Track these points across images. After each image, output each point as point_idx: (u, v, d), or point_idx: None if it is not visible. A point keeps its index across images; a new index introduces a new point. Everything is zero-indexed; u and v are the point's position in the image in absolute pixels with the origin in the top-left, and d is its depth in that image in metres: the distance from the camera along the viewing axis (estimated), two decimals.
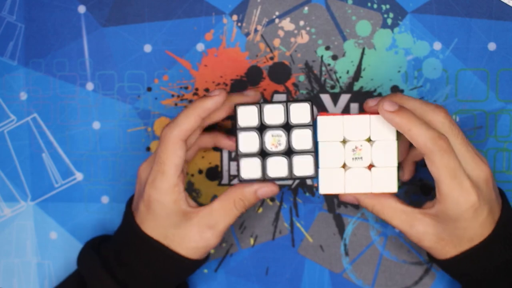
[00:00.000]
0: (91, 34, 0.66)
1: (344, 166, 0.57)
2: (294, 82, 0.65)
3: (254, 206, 0.65)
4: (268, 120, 0.57)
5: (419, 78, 0.65)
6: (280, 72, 0.65)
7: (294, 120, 0.57)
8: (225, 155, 0.66)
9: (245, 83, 0.65)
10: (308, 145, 0.57)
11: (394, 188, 0.57)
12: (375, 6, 0.64)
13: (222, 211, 0.58)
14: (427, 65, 0.64)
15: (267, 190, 0.59)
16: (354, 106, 0.65)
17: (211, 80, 0.66)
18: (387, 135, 0.57)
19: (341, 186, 0.57)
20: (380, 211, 0.58)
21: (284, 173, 0.57)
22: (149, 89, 0.66)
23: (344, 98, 0.65)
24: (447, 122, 0.55)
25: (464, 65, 0.64)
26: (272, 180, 0.58)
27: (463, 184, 0.54)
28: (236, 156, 0.57)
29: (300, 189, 0.66)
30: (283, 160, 0.57)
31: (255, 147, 0.57)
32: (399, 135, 0.57)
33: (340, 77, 0.65)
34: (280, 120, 0.57)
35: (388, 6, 0.64)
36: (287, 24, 0.65)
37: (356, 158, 0.57)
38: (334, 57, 0.65)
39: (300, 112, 0.57)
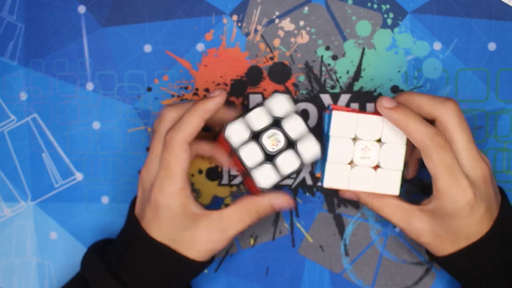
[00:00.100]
0: (91, 34, 0.66)
1: (351, 163, 0.57)
2: (294, 82, 0.65)
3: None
4: (256, 126, 0.57)
5: (419, 78, 0.65)
6: (280, 72, 0.65)
7: (278, 114, 0.57)
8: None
9: (245, 83, 0.65)
10: (303, 129, 0.57)
11: (396, 191, 0.57)
12: (375, 6, 0.64)
13: (235, 217, 0.58)
14: (427, 65, 0.64)
15: (281, 201, 0.59)
16: (354, 106, 0.65)
17: (211, 80, 0.66)
18: (397, 139, 0.57)
19: (345, 182, 0.57)
20: (379, 208, 0.58)
21: (296, 164, 0.57)
22: (149, 89, 0.66)
23: (344, 98, 0.65)
24: (456, 115, 0.55)
25: (464, 65, 0.64)
26: (290, 176, 0.57)
27: (460, 181, 0.54)
28: (247, 171, 0.57)
29: (300, 189, 0.66)
30: (290, 154, 0.57)
31: (259, 156, 0.57)
32: (408, 140, 0.57)
33: (340, 77, 0.65)
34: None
35: (388, 6, 0.64)
36: (287, 24, 0.65)
37: (364, 157, 0.57)
38: (334, 57, 0.65)
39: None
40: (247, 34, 0.65)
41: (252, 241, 0.66)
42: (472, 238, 0.56)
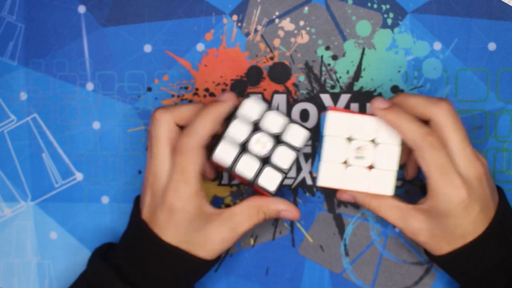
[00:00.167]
0: (91, 34, 0.66)
1: (345, 162, 0.58)
2: (294, 82, 0.65)
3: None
4: (265, 124, 0.58)
5: (419, 78, 0.65)
6: (280, 72, 0.65)
7: (287, 138, 0.58)
8: None
9: (245, 83, 0.65)
10: (286, 164, 0.58)
11: (390, 191, 0.58)
12: (375, 6, 0.64)
13: (245, 215, 0.59)
14: (427, 65, 0.64)
15: (290, 215, 0.60)
16: (354, 106, 0.65)
17: (211, 80, 0.66)
18: (391, 140, 0.57)
19: (340, 182, 0.58)
20: (376, 208, 0.59)
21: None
22: (149, 89, 0.66)
23: (344, 98, 0.65)
24: (450, 115, 0.55)
25: (464, 65, 0.64)
26: (237, 175, 0.58)
27: (453, 180, 0.54)
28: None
29: (300, 189, 0.66)
30: (256, 163, 0.58)
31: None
32: (404, 141, 0.57)
33: (340, 77, 0.65)
34: (276, 129, 0.58)
35: (388, 6, 0.64)
36: (287, 24, 0.65)
37: (358, 157, 0.57)
38: (334, 57, 0.65)
39: (297, 134, 0.58)
40: (247, 34, 0.65)
41: (252, 241, 0.66)
42: (468, 237, 0.56)
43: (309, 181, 0.66)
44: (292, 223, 0.66)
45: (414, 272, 0.66)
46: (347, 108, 0.65)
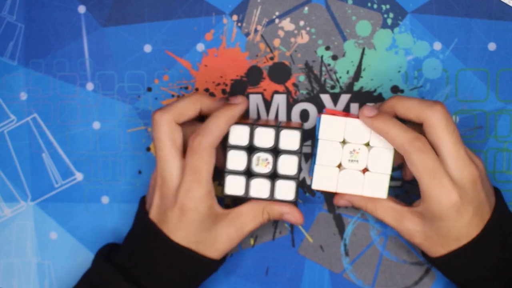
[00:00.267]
0: (91, 34, 0.66)
1: (339, 166, 0.58)
2: (294, 82, 0.65)
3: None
4: (258, 143, 0.59)
5: (419, 78, 0.65)
6: (280, 72, 0.65)
7: (283, 145, 0.59)
8: None
9: (245, 83, 0.65)
10: (293, 171, 0.59)
11: (384, 195, 0.59)
12: (375, 6, 0.64)
13: (250, 215, 0.59)
14: (427, 65, 0.64)
15: (293, 218, 0.61)
16: (354, 106, 0.65)
17: (211, 80, 0.66)
18: (385, 143, 0.58)
19: (334, 185, 0.59)
20: (373, 209, 0.60)
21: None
22: (149, 89, 0.66)
23: (344, 98, 0.65)
24: (443, 118, 0.55)
25: (464, 65, 0.64)
26: (253, 199, 0.60)
27: (443, 183, 0.55)
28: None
29: (300, 189, 0.66)
30: (266, 182, 0.59)
31: (242, 166, 0.59)
32: None
33: (340, 77, 0.65)
34: (270, 144, 0.59)
35: (388, 6, 0.64)
36: (287, 24, 0.65)
37: (352, 160, 0.58)
38: (334, 57, 0.65)
39: (290, 138, 0.58)
40: (247, 34, 0.65)
41: (252, 241, 0.66)
42: (462, 240, 0.56)
43: (309, 181, 0.66)
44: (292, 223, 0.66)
45: (414, 272, 0.66)
46: (346, 108, 0.65)
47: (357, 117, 0.58)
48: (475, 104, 0.65)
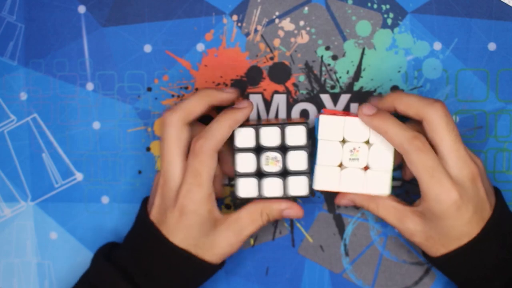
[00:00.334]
0: (91, 34, 0.66)
1: (340, 165, 0.58)
2: (294, 82, 0.65)
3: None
4: (265, 142, 0.59)
5: (419, 78, 0.65)
6: (280, 72, 0.65)
7: (290, 142, 0.59)
8: None
9: (245, 83, 0.65)
10: (303, 166, 0.59)
11: (386, 191, 0.58)
12: (375, 6, 0.64)
13: (249, 219, 0.59)
14: (427, 65, 0.64)
15: (293, 212, 0.60)
16: (354, 106, 0.65)
17: (211, 80, 0.66)
18: (385, 140, 0.57)
19: (336, 184, 0.59)
20: (374, 209, 0.59)
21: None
22: (149, 89, 0.66)
23: (344, 98, 0.65)
24: (443, 117, 0.56)
25: (464, 65, 0.64)
26: (268, 198, 0.60)
27: (443, 182, 0.55)
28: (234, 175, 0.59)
29: None
30: (278, 181, 0.59)
31: (252, 168, 0.59)
32: None
33: (340, 77, 0.65)
34: (276, 142, 0.59)
35: (388, 6, 0.64)
36: (287, 24, 0.65)
37: (353, 159, 0.58)
38: (334, 57, 0.65)
39: (296, 134, 0.58)
40: (247, 34, 0.65)
41: (252, 241, 0.66)
42: (463, 239, 0.56)
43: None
44: (292, 223, 0.66)
45: (414, 272, 0.66)
46: (346, 108, 0.65)
47: (355, 115, 0.58)
48: (475, 104, 0.65)
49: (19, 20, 0.67)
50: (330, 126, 0.58)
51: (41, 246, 0.68)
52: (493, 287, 0.57)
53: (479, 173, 0.56)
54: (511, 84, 0.64)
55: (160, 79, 0.66)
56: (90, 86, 0.66)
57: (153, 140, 0.66)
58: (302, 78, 0.65)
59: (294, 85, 0.65)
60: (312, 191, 0.59)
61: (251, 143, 0.59)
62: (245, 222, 0.59)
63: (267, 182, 0.59)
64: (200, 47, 0.65)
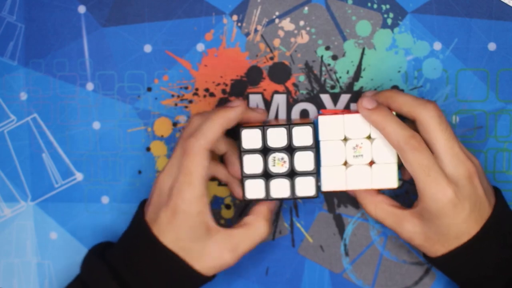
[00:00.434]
0: (91, 34, 0.66)
1: (345, 163, 0.58)
2: (294, 82, 0.65)
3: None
4: (271, 143, 0.58)
5: (419, 78, 0.65)
6: (280, 72, 0.65)
7: (296, 142, 0.58)
8: None
9: (245, 83, 0.65)
10: (310, 166, 0.59)
11: (394, 184, 0.58)
12: (375, 6, 0.64)
13: (244, 236, 0.59)
14: (427, 65, 0.64)
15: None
16: (354, 106, 0.65)
17: (211, 80, 0.66)
18: None
19: (343, 183, 0.58)
20: (372, 211, 0.60)
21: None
22: (149, 89, 0.66)
23: (344, 98, 0.65)
24: (435, 117, 0.56)
25: (464, 65, 0.64)
26: (276, 200, 0.60)
27: (438, 180, 0.55)
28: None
29: None
30: (285, 182, 0.59)
31: (259, 169, 0.59)
32: None
33: (340, 77, 0.65)
34: (283, 143, 0.59)
35: (388, 6, 0.64)
36: (287, 24, 0.65)
37: (357, 156, 0.58)
38: (334, 57, 0.65)
39: (303, 134, 0.58)
40: (247, 34, 0.65)
41: None
42: (462, 238, 0.56)
43: None
44: (292, 223, 0.66)
45: (414, 272, 0.66)
46: (346, 108, 0.65)
47: (354, 112, 0.58)
48: (475, 104, 0.65)
49: (19, 20, 0.67)
50: (330, 126, 0.58)
51: (41, 246, 0.68)
52: (494, 286, 0.57)
53: (476, 171, 0.56)
54: (511, 84, 0.64)
55: (160, 79, 0.66)
56: (90, 86, 0.66)
57: (153, 140, 0.66)
58: (302, 78, 0.65)
59: (294, 85, 0.65)
60: (319, 192, 0.59)
61: (258, 144, 0.59)
62: (240, 238, 0.58)
63: (274, 183, 0.59)
64: (200, 47, 0.65)
